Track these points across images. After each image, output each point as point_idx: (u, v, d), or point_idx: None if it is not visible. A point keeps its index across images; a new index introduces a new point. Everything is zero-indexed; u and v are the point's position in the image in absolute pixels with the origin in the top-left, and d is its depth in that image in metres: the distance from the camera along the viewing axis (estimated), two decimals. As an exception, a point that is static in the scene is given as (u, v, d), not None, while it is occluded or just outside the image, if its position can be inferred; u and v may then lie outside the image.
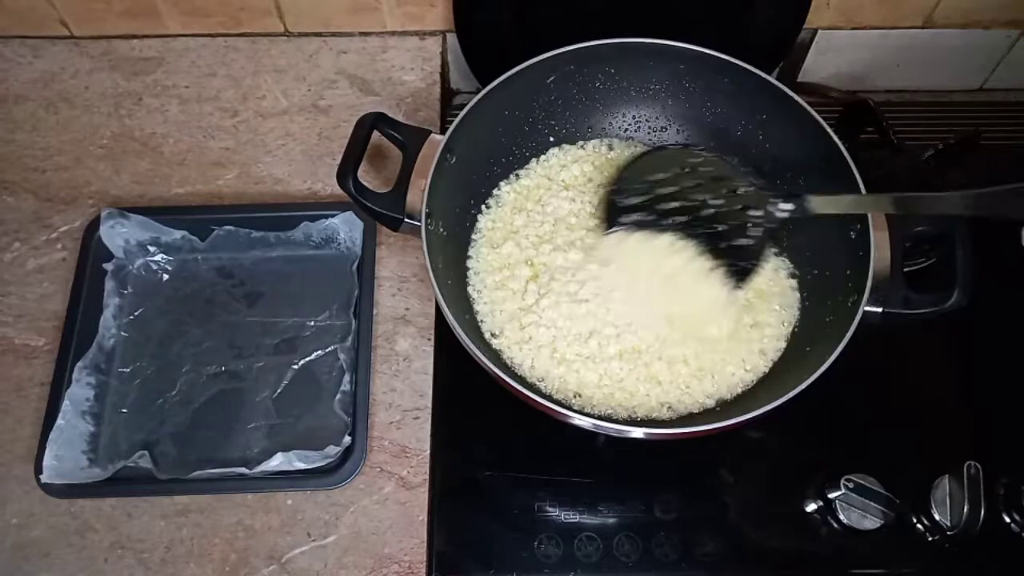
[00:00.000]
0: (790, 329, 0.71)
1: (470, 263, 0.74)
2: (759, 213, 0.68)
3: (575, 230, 0.74)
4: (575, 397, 0.68)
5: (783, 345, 0.71)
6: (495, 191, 0.78)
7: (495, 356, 0.70)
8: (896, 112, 0.89)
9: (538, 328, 0.70)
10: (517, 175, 0.78)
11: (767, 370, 0.70)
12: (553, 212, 0.76)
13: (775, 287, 0.73)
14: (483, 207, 0.77)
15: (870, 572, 0.70)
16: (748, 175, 0.70)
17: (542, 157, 0.79)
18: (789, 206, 0.67)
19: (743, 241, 0.68)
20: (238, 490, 0.69)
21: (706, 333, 0.69)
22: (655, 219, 0.70)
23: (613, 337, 0.69)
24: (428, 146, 0.69)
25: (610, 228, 0.71)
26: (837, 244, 0.68)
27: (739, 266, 0.68)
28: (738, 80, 0.72)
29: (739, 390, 0.69)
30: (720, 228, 0.68)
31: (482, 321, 0.71)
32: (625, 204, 0.71)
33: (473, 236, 0.76)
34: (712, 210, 0.69)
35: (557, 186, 0.77)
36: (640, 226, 0.70)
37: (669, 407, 0.68)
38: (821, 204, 0.65)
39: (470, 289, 0.73)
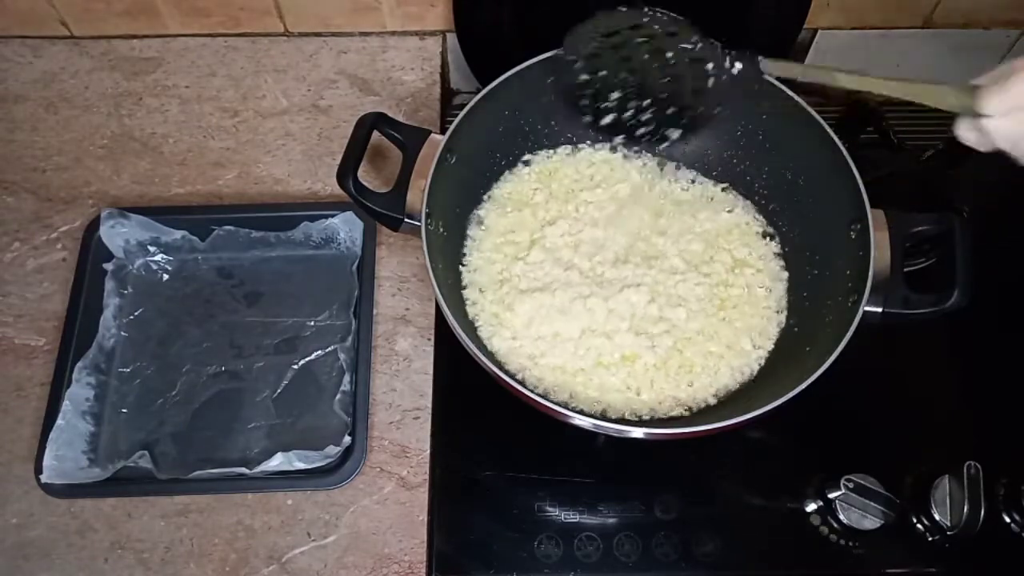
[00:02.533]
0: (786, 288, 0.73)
1: (468, 251, 0.75)
2: (712, 66, 0.66)
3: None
4: (576, 394, 0.68)
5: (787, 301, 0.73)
6: (521, 160, 0.78)
7: (495, 356, 0.70)
8: (896, 112, 0.89)
9: (541, 325, 0.70)
10: (550, 156, 0.79)
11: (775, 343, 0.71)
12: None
13: (760, 262, 0.74)
14: (501, 176, 0.78)
15: (870, 572, 0.70)
16: (697, 31, 0.67)
17: (568, 148, 0.80)
18: (739, 65, 0.66)
19: (697, 87, 0.67)
20: (238, 490, 0.69)
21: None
22: (619, 112, 0.69)
23: (624, 331, 0.70)
24: (428, 146, 0.69)
25: (584, 120, 0.72)
26: (837, 244, 0.68)
27: (697, 114, 0.68)
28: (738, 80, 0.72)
29: (757, 367, 0.70)
30: (674, 76, 0.67)
31: (480, 324, 0.72)
32: (580, 80, 0.69)
33: (481, 205, 0.76)
34: (667, 69, 0.67)
35: (586, 179, 0.78)
36: (614, 131, 0.71)
37: (691, 400, 0.69)
38: (772, 67, 0.65)
39: (469, 288, 0.73)
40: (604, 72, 0.68)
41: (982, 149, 0.54)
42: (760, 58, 0.65)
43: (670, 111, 0.69)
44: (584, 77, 0.69)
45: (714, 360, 0.70)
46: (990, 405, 0.77)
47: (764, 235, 0.76)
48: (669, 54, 0.66)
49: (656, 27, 0.66)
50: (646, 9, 0.67)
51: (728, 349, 0.70)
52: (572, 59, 0.69)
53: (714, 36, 0.72)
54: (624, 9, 0.67)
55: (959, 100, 0.53)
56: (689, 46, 0.66)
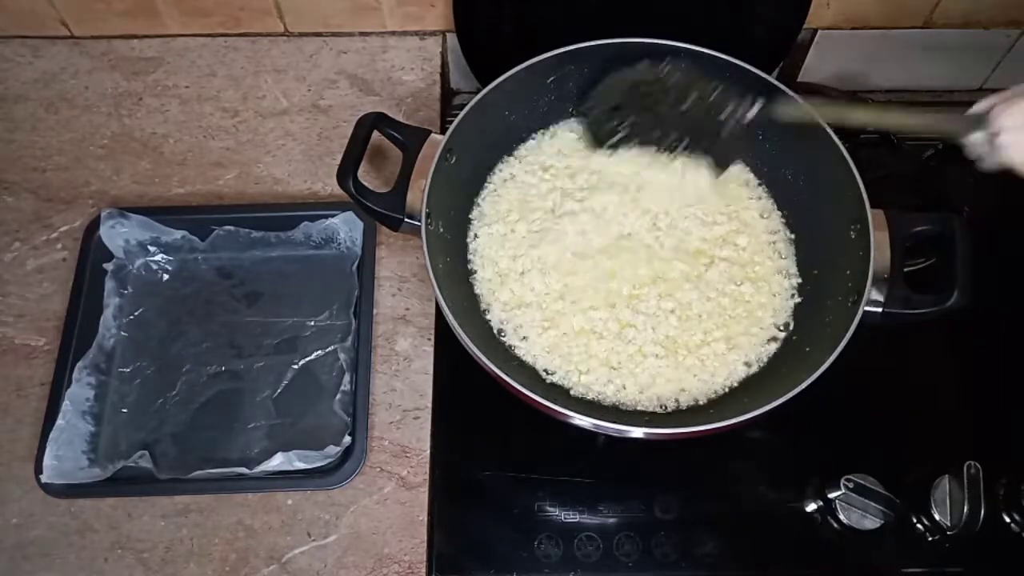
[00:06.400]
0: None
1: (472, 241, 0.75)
2: (728, 111, 0.70)
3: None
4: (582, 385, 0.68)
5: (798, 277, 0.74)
6: (521, 157, 0.79)
7: (496, 355, 0.69)
8: (896, 112, 0.89)
9: (543, 320, 0.70)
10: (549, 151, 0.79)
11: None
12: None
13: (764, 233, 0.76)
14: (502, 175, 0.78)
15: (870, 572, 0.70)
16: (713, 78, 0.71)
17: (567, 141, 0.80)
18: (755, 109, 0.69)
19: (720, 132, 0.71)
20: (238, 490, 0.69)
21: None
22: (635, 132, 0.72)
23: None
24: (428, 146, 0.69)
25: (599, 147, 0.74)
26: (837, 244, 0.68)
27: (719, 155, 0.72)
28: (738, 80, 0.72)
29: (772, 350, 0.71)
30: (695, 127, 0.71)
31: (493, 320, 0.72)
32: (605, 126, 0.73)
33: (481, 205, 0.76)
34: (686, 109, 0.71)
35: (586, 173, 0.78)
36: (624, 142, 0.73)
37: (690, 398, 0.69)
38: (785, 110, 0.68)
39: (476, 285, 0.73)
40: (630, 118, 0.72)
41: (987, 165, 0.56)
42: (776, 101, 0.68)
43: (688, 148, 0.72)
44: (609, 124, 0.73)
45: (714, 356, 0.70)
46: (990, 405, 0.77)
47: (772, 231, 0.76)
48: (688, 103, 0.71)
49: (675, 78, 0.71)
50: (664, 64, 0.71)
51: (729, 345, 0.70)
52: (596, 108, 0.73)
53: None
54: (643, 64, 0.71)
55: (969, 124, 0.56)
56: (707, 93, 0.70)
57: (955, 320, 0.64)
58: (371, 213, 0.68)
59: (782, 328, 0.71)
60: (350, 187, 0.67)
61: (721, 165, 0.72)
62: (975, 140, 0.56)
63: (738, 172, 0.78)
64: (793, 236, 0.75)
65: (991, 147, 0.55)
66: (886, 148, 0.82)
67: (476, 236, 0.75)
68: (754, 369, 0.70)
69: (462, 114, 0.69)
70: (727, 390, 0.69)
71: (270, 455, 0.67)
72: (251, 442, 0.72)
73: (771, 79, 0.71)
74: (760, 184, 0.77)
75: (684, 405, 0.68)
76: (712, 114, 0.70)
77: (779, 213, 0.76)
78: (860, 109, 0.66)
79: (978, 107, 0.56)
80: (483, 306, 0.72)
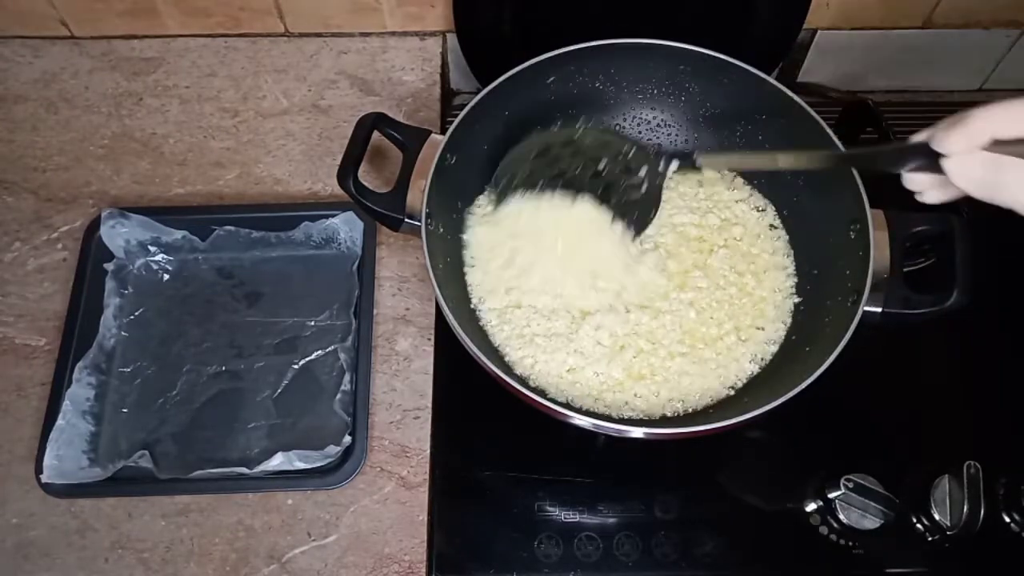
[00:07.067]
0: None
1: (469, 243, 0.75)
2: (645, 171, 0.68)
3: None
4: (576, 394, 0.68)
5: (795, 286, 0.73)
6: None
7: (495, 355, 0.70)
8: (896, 112, 0.89)
9: (543, 322, 0.70)
10: None
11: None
12: None
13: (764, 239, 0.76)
14: None
15: (870, 572, 0.70)
16: (631, 140, 0.70)
17: None
18: (675, 165, 0.68)
19: (634, 195, 0.69)
20: (238, 490, 0.69)
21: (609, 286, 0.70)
22: (541, 184, 0.70)
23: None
24: (428, 146, 0.69)
25: (500, 203, 0.72)
26: (837, 244, 0.68)
27: (633, 219, 0.70)
28: (738, 80, 0.72)
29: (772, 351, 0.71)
30: (609, 183, 0.69)
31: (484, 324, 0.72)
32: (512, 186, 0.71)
33: (481, 205, 0.76)
34: (600, 170, 0.69)
35: None
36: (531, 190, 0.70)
37: (688, 401, 0.69)
38: (708, 162, 0.68)
39: (472, 287, 0.73)
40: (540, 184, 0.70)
41: (929, 197, 0.54)
42: (696, 154, 0.66)
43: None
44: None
45: (712, 361, 0.70)
46: (990, 405, 0.77)
47: (770, 227, 0.76)
48: (601, 164, 0.69)
49: (588, 140, 0.70)
50: (578, 125, 0.70)
51: (739, 338, 0.70)
52: (505, 178, 0.71)
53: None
54: (556, 127, 0.71)
55: (913, 155, 0.53)
56: (620, 155, 0.69)
57: (955, 320, 0.64)
58: (371, 213, 0.69)
59: (784, 326, 0.71)
60: (350, 187, 0.67)
61: (639, 228, 0.70)
62: (918, 171, 0.53)
63: (712, 172, 0.78)
64: (792, 235, 0.75)
65: (936, 176, 0.51)
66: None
67: (477, 236, 0.75)
68: (756, 369, 0.70)
69: (462, 114, 0.69)
70: (733, 391, 0.69)
71: (270, 455, 0.67)
72: (251, 442, 0.72)
73: (771, 79, 0.71)
74: (742, 179, 0.78)
75: (676, 412, 0.68)
76: (627, 174, 0.69)
77: (773, 208, 0.76)
78: (784, 155, 0.64)
79: (919, 136, 0.52)
80: (473, 301, 0.72)
